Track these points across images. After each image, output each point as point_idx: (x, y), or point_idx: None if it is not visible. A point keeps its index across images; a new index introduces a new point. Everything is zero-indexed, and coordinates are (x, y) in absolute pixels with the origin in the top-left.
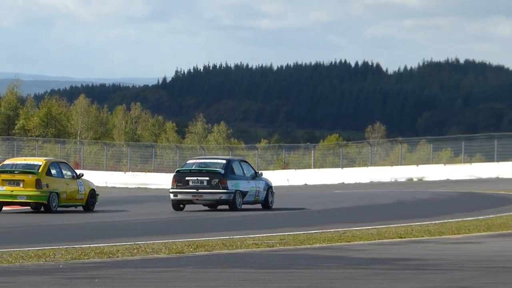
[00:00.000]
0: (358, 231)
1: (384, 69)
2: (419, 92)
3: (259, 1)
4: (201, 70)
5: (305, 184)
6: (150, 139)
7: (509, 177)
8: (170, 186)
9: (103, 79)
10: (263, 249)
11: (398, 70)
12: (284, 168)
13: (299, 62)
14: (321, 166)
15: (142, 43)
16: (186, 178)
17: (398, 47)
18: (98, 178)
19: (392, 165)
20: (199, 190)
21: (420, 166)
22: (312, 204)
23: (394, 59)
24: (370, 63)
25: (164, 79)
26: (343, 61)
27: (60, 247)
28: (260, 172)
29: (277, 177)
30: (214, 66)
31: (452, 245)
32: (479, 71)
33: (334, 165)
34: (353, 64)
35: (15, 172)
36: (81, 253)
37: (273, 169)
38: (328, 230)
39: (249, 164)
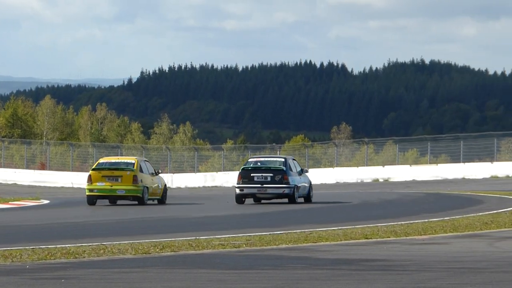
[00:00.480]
0: (324, 232)
1: (349, 69)
2: (385, 92)
3: (224, 1)
4: (166, 71)
5: None
6: (115, 140)
7: (475, 178)
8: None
9: (69, 80)
10: (229, 249)
11: (364, 70)
12: None
13: (264, 63)
14: None
15: (108, 44)
16: (251, 175)
17: (364, 48)
18: (64, 179)
19: (358, 166)
20: (264, 185)
21: (386, 166)
22: (278, 205)
23: (359, 60)
24: (336, 64)
25: (130, 80)
26: (308, 61)
27: (27, 247)
28: (305, 169)
29: None
30: (180, 67)
31: (418, 246)
32: (445, 72)
33: (301, 165)
34: (318, 65)
35: (114, 169)
36: (48, 254)
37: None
38: (294, 231)
39: (297, 162)
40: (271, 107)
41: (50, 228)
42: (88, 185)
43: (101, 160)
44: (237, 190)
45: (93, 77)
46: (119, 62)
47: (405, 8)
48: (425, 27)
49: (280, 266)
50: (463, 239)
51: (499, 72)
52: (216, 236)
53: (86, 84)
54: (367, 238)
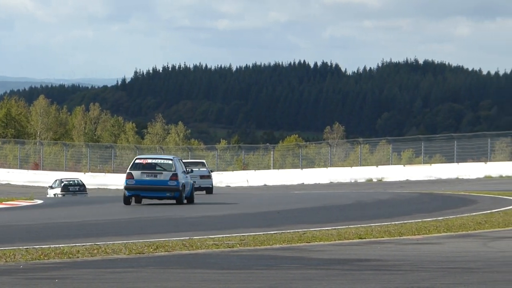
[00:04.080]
0: (318, 232)
1: (343, 69)
2: (379, 93)
3: (217, 1)
4: (160, 71)
5: (265, 185)
6: (109, 140)
7: (468, 178)
8: None
9: (62, 79)
10: (223, 249)
11: (357, 70)
12: (243, 169)
13: (258, 63)
14: (281, 166)
15: (101, 43)
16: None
17: (357, 48)
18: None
19: (351, 166)
20: None
21: (379, 166)
22: (272, 204)
23: (353, 60)
24: (329, 64)
25: (124, 79)
26: (302, 61)
27: (20, 247)
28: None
29: (236, 178)
30: (173, 67)
31: (412, 245)
32: (438, 72)
33: (294, 165)
34: (312, 65)
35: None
36: (41, 254)
37: (233, 170)
38: (288, 231)
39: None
40: (265, 107)
41: (44, 228)
42: None
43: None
44: None
45: (87, 77)
46: (112, 62)
47: (399, 8)
48: (419, 27)
49: (274, 266)
50: (456, 239)
51: (492, 72)
52: (210, 236)
53: (79, 84)
54: (361, 238)
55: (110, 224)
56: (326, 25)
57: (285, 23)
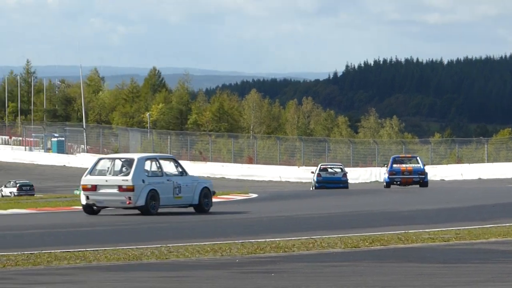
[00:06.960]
0: None
1: None
2: None
3: None
4: (372, 65)
5: (479, 179)
6: (322, 134)
7: None
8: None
9: (273, 73)
10: (439, 243)
11: None
12: (457, 163)
13: (469, 57)
14: (495, 160)
15: (311, 37)
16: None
17: None
18: (272, 172)
19: None
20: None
21: None
22: (487, 198)
23: None
24: None
25: (335, 73)
26: None
27: (236, 241)
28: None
29: (450, 172)
30: (385, 61)
31: None
32: None
33: (508, 159)
34: None
35: None
36: (257, 248)
37: (447, 163)
38: (504, 224)
39: None
40: (477, 100)
41: (258, 222)
42: None
43: None
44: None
45: (297, 71)
46: (323, 56)
47: None
48: None
49: (489, 260)
50: None
51: None
52: (425, 230)
53: (291, 78)
54: None
55: (321, 219)
56: None
57: (495, 17)
